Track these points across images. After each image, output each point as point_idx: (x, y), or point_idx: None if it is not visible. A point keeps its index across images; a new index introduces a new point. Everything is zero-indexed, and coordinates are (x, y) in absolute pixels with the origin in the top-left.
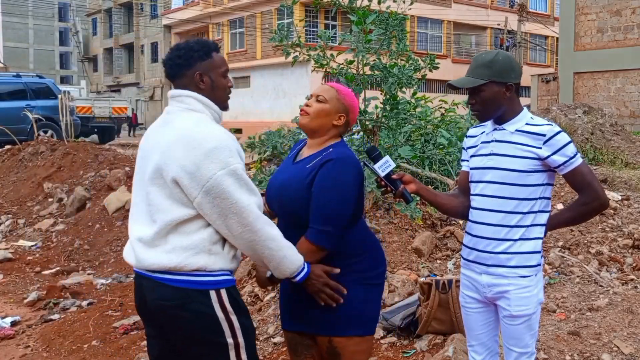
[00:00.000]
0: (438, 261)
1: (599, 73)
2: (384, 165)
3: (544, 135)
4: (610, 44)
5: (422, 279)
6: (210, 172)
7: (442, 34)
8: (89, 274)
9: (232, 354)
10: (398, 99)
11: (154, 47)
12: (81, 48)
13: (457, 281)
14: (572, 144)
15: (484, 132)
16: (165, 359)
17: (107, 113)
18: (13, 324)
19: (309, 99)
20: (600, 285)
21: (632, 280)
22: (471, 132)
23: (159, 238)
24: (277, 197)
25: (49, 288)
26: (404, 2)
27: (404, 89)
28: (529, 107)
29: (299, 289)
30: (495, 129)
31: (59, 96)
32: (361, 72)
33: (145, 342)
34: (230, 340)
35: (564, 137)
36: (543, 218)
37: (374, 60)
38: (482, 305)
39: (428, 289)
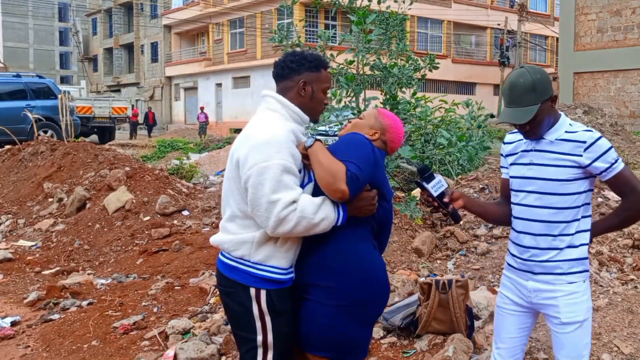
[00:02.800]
0: (438, 261)
1: (599, 73)
2: (437, 185)
3: (585, 142)
4: (610, 44)
5: (422, 279)
6: (253, 161)
7: (442, 34)
8: (89, 274)
9: (260, 351)
10: (398, 99)
11: (154, 47)
12: (81, 48)
13: (457, 281)
14: (612, 150)
15: (522, 139)
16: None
17: (107, 113)
18: (13, 324)
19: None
20: (600, 285)
21: (632, 280)
22: (508, 138)
23: (224, 225)
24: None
25: (49, 288)
26: (404, 2)
27: (404, 89)
28: None
29: (298, 303)
30: (533, 140)
31: (59, 96)
32: (361, 72)
33: (145, 342)
34: (260, 338)
35: (604, 143)
36: (587, 223)
37: (374, 60)
38: (521, 309)
39: (428, 289)
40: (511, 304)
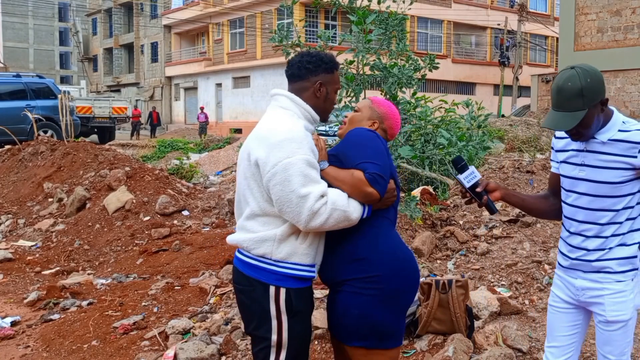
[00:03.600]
0: (438, 261)
1: None
2: (470, 177)
3: (639, 143)
4: (610, 44)
5: (422, 279)
6: (276, 159)
7: (442, 34)
8: (88, 274)
9: (273, 350)
10: (398, 99)
11: (154, 47)
12: (81, 48)
13: (457, 281)
14: None
15: None
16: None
17: (107, 113)
18: (13, 324)
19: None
20: None
21: None
22: (560, 133)
23: (244, 222)
24: None
25: (48, 288)
26: (403, 2)
27: (404, 89)
28: (528, 106)
29: (331, 297)
30: (588, 141)
31: (59, 96)
32: (361, 72)
33: (145, 342)
34: (274, 338)
35: None
36: (639, 223)
37: (374, 60)
38: (571, 307)
39: (428, 289)
40: (561, 302)
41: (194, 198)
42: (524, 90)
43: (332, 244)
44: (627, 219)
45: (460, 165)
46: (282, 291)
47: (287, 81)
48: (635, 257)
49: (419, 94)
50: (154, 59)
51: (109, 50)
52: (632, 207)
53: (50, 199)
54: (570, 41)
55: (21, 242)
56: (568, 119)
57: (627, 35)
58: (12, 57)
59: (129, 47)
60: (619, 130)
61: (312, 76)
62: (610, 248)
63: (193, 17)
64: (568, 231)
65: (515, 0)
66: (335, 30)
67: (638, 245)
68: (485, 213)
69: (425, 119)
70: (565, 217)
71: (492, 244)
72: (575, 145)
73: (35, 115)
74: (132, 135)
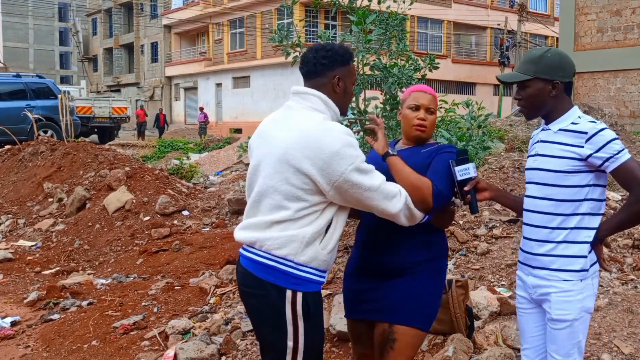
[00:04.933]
0: None
1: (599, 73)
2: (464, 171)
3: (586, 133)
4: (610, 44)
5: None
6: (342, 168)
7: (442, 34)
8: (88, 274)
9: (289, 356)
10: (398, 99)
11: (154, 47)
12: (81, 48)
13: (457, 281)
14: (617, 141)
15: (539, 132)
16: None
17: (107, 113)
18: (13, 324)
19: (415, 110)
20: (601, 285)
21: (632, 280)
22: (533, 133)
23: (266, 224)
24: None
25: (48, 288)
26: (404, 2)
27: (403, 89)
28: None
29: (369, 277)
30: (542, 129)
31: (59, 96)
32: (361, 72)
33: (145, 342)
34: (290, 343)
35: (607, 134)
36: (592, 221)
37: (374, 60)
38: (534, 307)
39: None
40: (524, 302)
41: (194, 198)
42: None
43: (393, 232)
44: (575, 214)
45: (462, 158)
46: (299, 295)
47: (303, 79)
48: (585, 257)
49: None
50: (154, 59)
51: (109, 50)
52: (580, 201)
53: (50, 199)
54: (570, 41)
55: (21, 242)
56: (513, 75)
57: (627, 35)
58: (12, 57)
59: (129, 47)
60: (572, 123)
61: (328, 71)
62: (557, 242)
63: (193, 17)
64: (524, 223)
65: (515, 0)
66: (335, 30)
67: (589, 245)
68: (486, 213)
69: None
70: (523, 209)
71: (492, 244)
72: (537, 138)
73: (35, 115)
74: (137, 136)
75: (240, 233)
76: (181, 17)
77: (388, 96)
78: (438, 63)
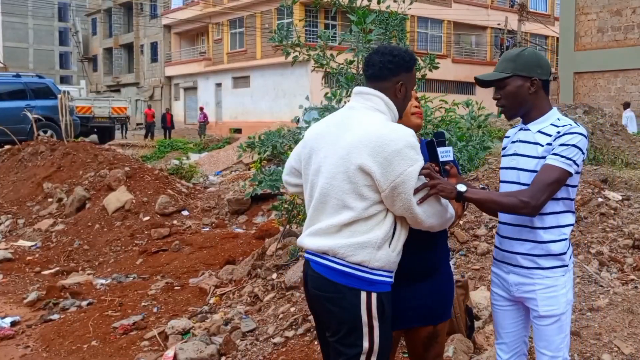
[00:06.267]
0: None
1: (599, 73)
2: (445, 153)
3: (559, 132)
4: (610, 44)
5: None
6: (401, 168)
7: (442, 33)
8: (88, 274)
9: (362, 357)
10: None
11: (154, 47)
12: (81, 48)
13: (457, 281)
14: (574, 149)
15: (517, 132)
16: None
17: (106, 113)
18: (13, 324)
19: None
20: (601, 286)
21: (632, 280)
22: (508, 133)
23: (336, 229)
24: None
25: (48, 288)
26: (403, 1)
27: None
28: None
29: (412, 290)
30: (521, 129)
31: (59, 96)
32: (361, 72)
33: (144, 343)
34: (366, 345)
35: (574, 138)
36: (567, 219)
37: None
38: (511, 304)
39: None
40: (501, 300)
41: (193, 198)
42: None
43: (430, 240)
44: (551, 213)
45: (441, 140)
46: (374, 296)
47: (366, 81)
48: (564, 253)
49: (419, 94)
50: (154, 59)
51: (108, 50)
52: (555, 200)
53: (50, 199)
54: (571, 41)
55: (21, 242)
56: (492, 74)
57: (627, 35)
58: (12, 57)
59: (128, 47)
60: (551, 124)
61: (393, 76)
62: (537, 242)
63: (193, 17)
64: (499, 222)
65: (516, 0)
66: (335, 30)
67: (565, 241)
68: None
69: (425, 119)
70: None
71: (492, 244)
72: (515, 137)
73: (35, 115)
74: (145, 136)
75: (310, 240)
76: (181, 17)
77: None
78: (438, 63)
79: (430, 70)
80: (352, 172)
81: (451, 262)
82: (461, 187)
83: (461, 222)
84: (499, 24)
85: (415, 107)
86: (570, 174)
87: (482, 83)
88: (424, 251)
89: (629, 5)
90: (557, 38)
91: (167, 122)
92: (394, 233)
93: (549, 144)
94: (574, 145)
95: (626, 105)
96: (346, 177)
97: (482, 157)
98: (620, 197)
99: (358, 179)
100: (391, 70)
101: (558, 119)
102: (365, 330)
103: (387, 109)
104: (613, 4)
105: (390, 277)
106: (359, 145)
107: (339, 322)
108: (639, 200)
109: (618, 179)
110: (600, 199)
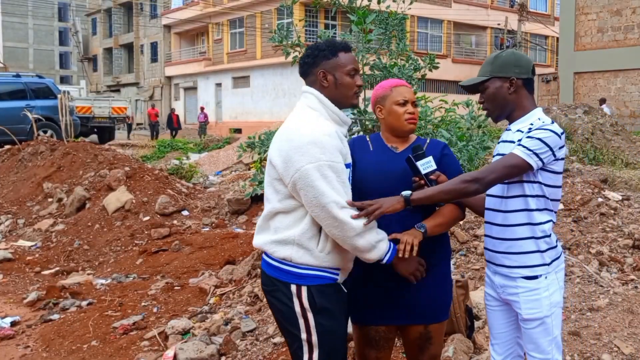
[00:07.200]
0: None
1: (599, 73)
2: (426, 165)
3: (530, 129)
4: (610, 44)
5: None
6: (299, 164)
7: (442, 33)
8: (88, 274)
9: (305, 349)
10: None
11: (154, 47)
12: (81, 48)
13: (458, 281)
14: (539, 142)
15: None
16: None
17: (106, 113)
18: (13, 324)
19: (403, 105)
20: (601, 286)
21: (632, 280)
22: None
23: (264, 223)
24: (395, 183)
25: (48, 288)
26: (403, 1)
27: None
28: None
29: (389, 281)
30: (507, 130)
31: (59, 96)
32: (361, 72)
33: (144, 343)
34: (304, 336)
35: (543, 133)
36: (543, 217)
37: (374, 60)
38: (501, 304)
39: None
40: (492, 300)
41: (193, 198)
42: None
43: (427, 238)
44: (526, 210)
45: (419, 153)
46: (304, 289)
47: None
48: (545, 251)
49: (419, 94)
50: (154, 58)
51: (108, 50)
52: (530, 197)
53: (50, 199)
54: (571, 41)
55: (21, 242)
56: (473, 79)
57: (627, 35)
58: (12, 57)
59: (128, 47)
60: (531, 124)
61: (314, 68)
62: (514, 240)
63: (193, 17)
64: (486, 222)
65: (516, 0)
66: (335, 30)
67: (542, 240)
68: None
69: (425, 119)
70: (485, 208)
71: None
72: (501, 138)
73: (35, 115)
74: (151, 137)
75: (254, 238)
76: (181, 17)
77: None
78: (438, 63)
79: (430, 70)
80: (268, 166)
81: (451, 262)
82: (406, 193)
83: (461, 222)
84: (499, 24)
85: (409, 113)
86: (529, 166)
87: (466, 88)
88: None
89: (629, 5)
90: (557, 38)
91: (174, 123)
92: (320, 231)
93: (520, 139)
94: (538, 139)
95: (602, 102)
96: (267, 172)
97: (482, 157)
98: (620, 197)
99: (271, 172)
100: (310, 64)
101: (539, 118)
102: (301, 321)
103: (319, 105)
104: (613, 4)
105: (329, 272)
106: (275, 140)
107: (279, 314)
108: (639, 200)
109: (618, 179)
110: (600, 199)
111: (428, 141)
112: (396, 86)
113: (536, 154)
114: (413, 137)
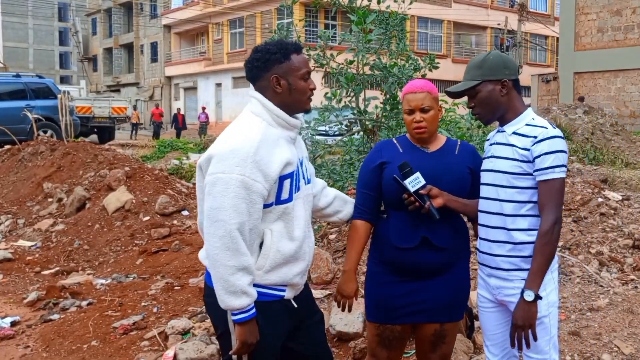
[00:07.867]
0: None
1: (599, 73)
2: (415, 182)
3: (536, 137)
4: (610, 44)
5: None
6: (213, 169)
7: (442, 33)
8: (88, 274)
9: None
10: (398, 98)
11: (154, 47)
12: (81, 48)
13: None
14: (561, 154)
15: (496, 135)
16: None
17: (106, 113)
18: (13, 324)
19: (410, 114)
20: (601, 286)
21: (632, 280)
22: (488, 136)
23: (203, 236)
24: (428, 181)
25: (48, 288)
26: (403, 1)
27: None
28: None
29: (407, 280)
30: (498, 131)
31: (59, 96)
32: (361, 72)
33: (144, 343)
34: (230, 328)
35: (556, 143)
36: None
37: (374, 60)
38: (495, 305)
39: None
40: (486, 302)
41: (193, 198)
42: (524, 90)
43: (447, 237)
44: (528, 215)
45: (406, 170)
46: None
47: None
48: None
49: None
50: (154, 58)
51: (108, 50)
52: (529, 203)
53: (50, 199)
54: (571, 41)
55: (21, 242)
56: (462, 85)
57: (627, 35)
58: (12, 57)
59: (128, 47)
60: (526, 125)
61: (265, 73)
62: (513, 243)
63: (193, 17)
64: (480, 224)
65: (516, 0)
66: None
67: None
68: None
69: None
70: (479, 210)
71: None
72: (493, 140)
73: (35, 115)
74: (153, 137)
75: (201, 250)
76: (181, 17)
77: (388, 96)
78: (438, 63)
79: (430, 70)
80: (198, 171)
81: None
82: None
83: None
84: (499, 24)
85: (416, 122)
86: (564, 177)
87: (454, 95)
88: (436, 250)
89: (629, 5)
90: (557, 38)
91: (179, 123)
92: (260, 249)
93: (527, 149)
94: (559, 151)
95: (580, 100)
96: (197, 176)
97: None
98: (620, 197)
99: (200, 177)
100: (260, 68)
101: (533, 118)
102: (233, 337)
103: (263, 110)
104: (613, 4)
105: (273, 289)
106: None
107: (215, 323)
108: (639, 200)
109: (618, 179)
110: (600, 199)
111: (459, 143)
112: (406, 93)
113: (565, 165)
114: (443, 138)
